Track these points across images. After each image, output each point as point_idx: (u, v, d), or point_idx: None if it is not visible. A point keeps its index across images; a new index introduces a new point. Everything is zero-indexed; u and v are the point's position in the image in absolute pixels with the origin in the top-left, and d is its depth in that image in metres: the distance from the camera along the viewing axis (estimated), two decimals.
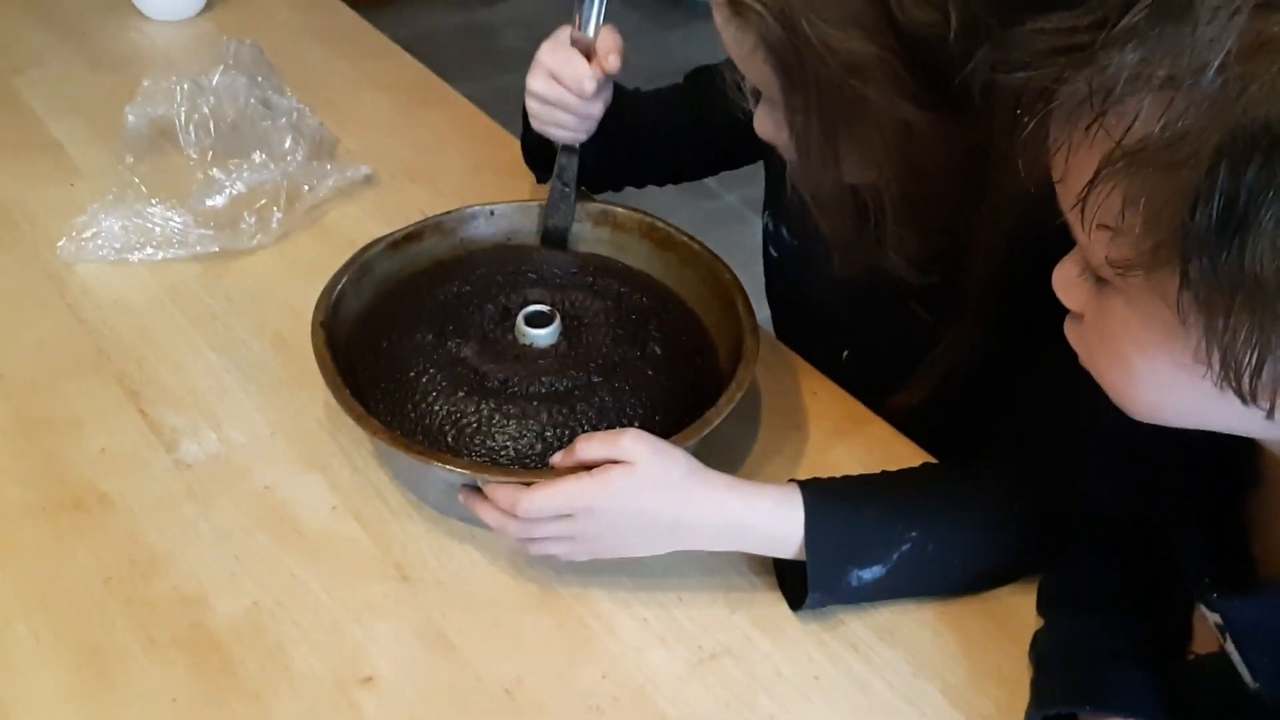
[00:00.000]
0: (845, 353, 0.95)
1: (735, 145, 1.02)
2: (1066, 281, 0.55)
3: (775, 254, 0.99)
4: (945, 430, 0.86)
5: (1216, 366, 0.46)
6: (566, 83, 0.89)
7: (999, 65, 0.51)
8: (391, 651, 0.73)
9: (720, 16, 0.72)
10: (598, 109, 0.92)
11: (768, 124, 0.77)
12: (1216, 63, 0.42)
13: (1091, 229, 0.48)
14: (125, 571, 0.76)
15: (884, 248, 0.76)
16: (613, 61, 0.89)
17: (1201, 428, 0.53)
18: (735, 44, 0.72)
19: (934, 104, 0.67)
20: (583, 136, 0.94)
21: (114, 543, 0.78)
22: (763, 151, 1.03)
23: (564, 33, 0.91)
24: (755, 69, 0.71)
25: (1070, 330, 0.57)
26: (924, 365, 0.82)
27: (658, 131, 1.04)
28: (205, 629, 0.73)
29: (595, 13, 0.88)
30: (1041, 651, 0.72)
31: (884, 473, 0.80)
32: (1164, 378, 0.50)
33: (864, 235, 0.78)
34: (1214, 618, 0.60)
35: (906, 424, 0.90)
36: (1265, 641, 0.57)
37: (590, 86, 0.89)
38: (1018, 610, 0.76)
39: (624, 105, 1.02)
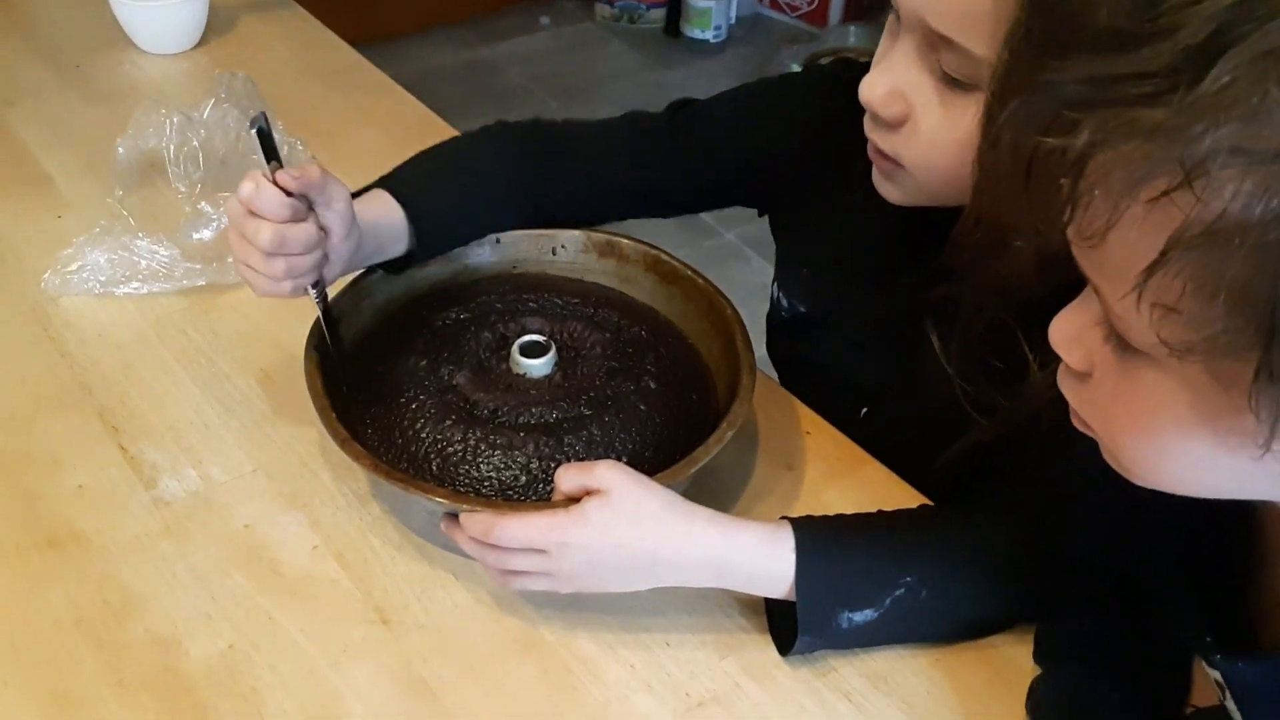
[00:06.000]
0: (864, 410, 0.92)
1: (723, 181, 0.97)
2: (1075, 337, 0.50)
3: (787, 317, 0.96)
4: (946, 476, 0.84)
5: None
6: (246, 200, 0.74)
7: (1030, 118, 0.45)
8: (369, 698, 0.71)
9: None
10: (264, 236, 0.73)
11: (881, 83, 0.71)
12: None
13: (1148, 311, 0.42)
14: (98, 612, 0.74)
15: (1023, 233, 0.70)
16: (289, 181, 0.74)
17: (1224, 497, 0.50)
18: None
19: None
20: (281, 287, 0.76)
21: (88, 583, 0.76)
22: (767, 211, 1.00)
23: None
24: None
25: (1070, 388, 0.52)
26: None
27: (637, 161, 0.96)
28: (178, 672, 0.71)
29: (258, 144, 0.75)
30: (1038, 702, 0.70)
31: (879, 513, 0.78)
32: (1202, 454, 0.46)
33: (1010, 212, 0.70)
34: (1215, 674, 0.58)
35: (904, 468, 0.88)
36: (1269, 705, 0.55)
37: (246, 191, 0.73)
38: (1015, 659, 0.74)
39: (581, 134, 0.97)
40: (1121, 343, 0.46)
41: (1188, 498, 0.51)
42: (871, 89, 0.73)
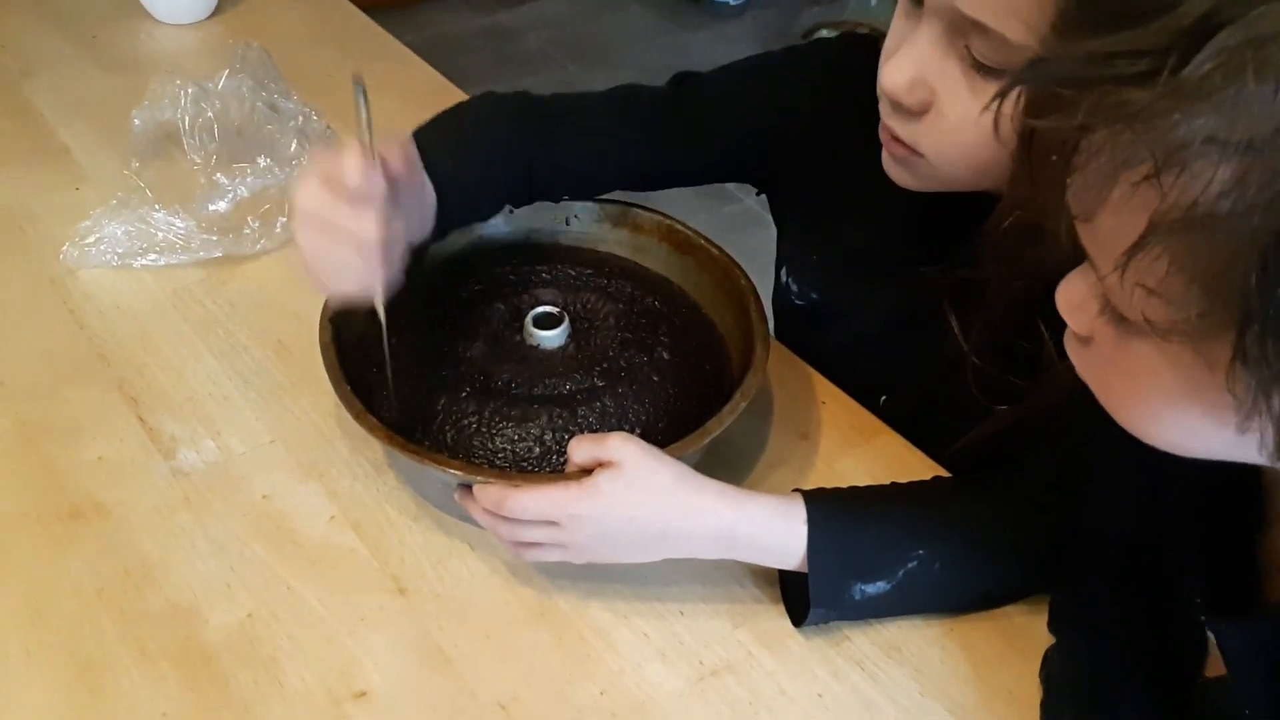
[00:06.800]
0: (883, 398, 0.91)
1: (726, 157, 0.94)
2: (1077, 304, 0.50)
3: (800, 305, 0.95)
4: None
5: (1270, 445, 0.42)
6: (328, 171, 0.66)
7: (1031, 95, 0.46)
8: (386, 666, 0.72)
9: None
10: (370, 225, 0.66)
11: (904, 70, 0.68)
12: None
13: (1132, 289, 0.43)
14: (119, 582, 0.75)
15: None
16: (394, 159, 0.68)
17: (1218, 459, 0.50)
18: None
19: None
20: (376, 287, 0.70)
21: (109, 553, 0.77)
22: (767, 191, 0.98)
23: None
24: None
25: (1074, 351, 0.53)
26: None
27: (644, 134, 0.92)
28: (198, 641, 0.72)
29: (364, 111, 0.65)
30: (1052, 671, 0.70)
31: (893, 484, 0.78)
32: (1192, 423, 0.47)
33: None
34: (1213, 637, 0.58)
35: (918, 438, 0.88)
36: (1255, 665, 0.55)
37: (356, 176, 0.65)
38: (1029, 628, 0.74)
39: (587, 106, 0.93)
40: (1116, 314, 0.47)
41: (1202, 465, 0.51)
42: (893, 77, 0.69)
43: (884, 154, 0.76)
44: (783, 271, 0.96)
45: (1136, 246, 0.41)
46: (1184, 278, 0.41)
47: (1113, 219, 0.43)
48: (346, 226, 0.66)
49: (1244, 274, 0.39)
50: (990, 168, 0.70)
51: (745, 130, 0.92)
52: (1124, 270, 0.43)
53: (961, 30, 0.66)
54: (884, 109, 0.74)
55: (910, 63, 0.69)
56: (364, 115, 0.65)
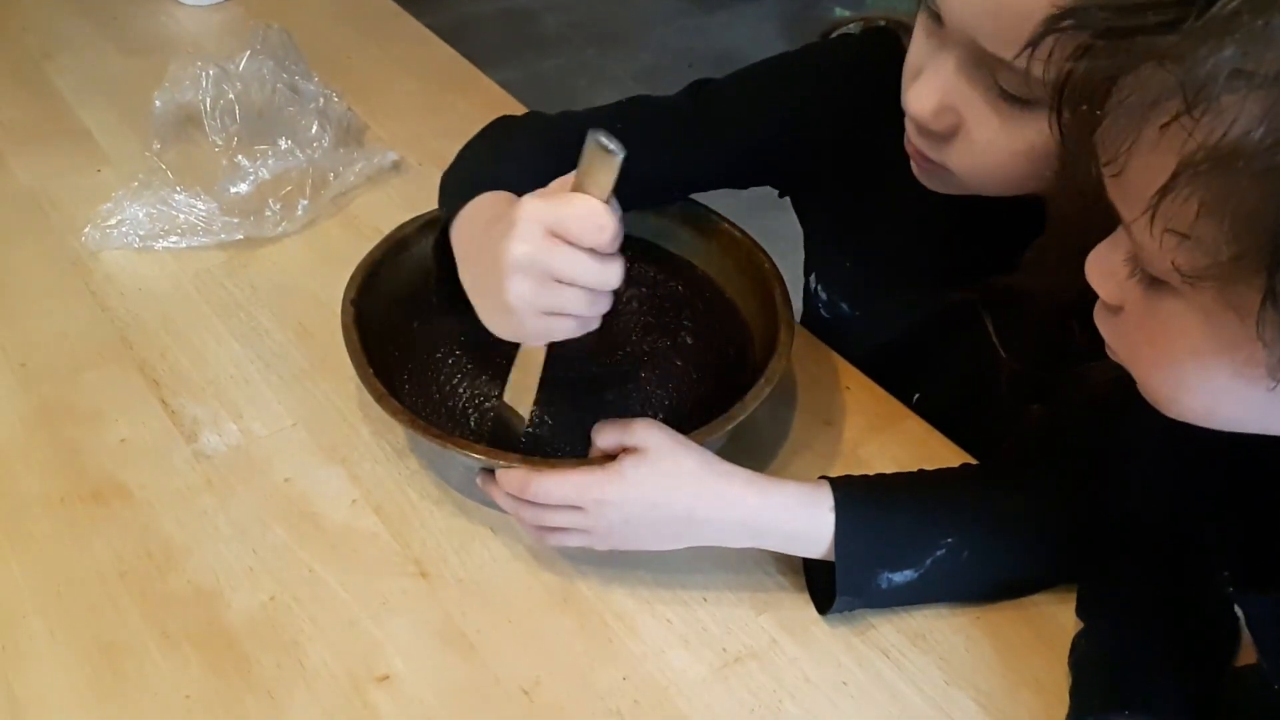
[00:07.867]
0: (915, 396, 0.89)
1: (739, 165, 0.91)
2: (1108, 271, 0.50)
3: (827, 316, 0.93)
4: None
5: None
6: (574, 233, 0.60)
7: (1062, 46, 0.47)
8: (409, 650, 0.71)
9: None
10: (616, 273, 0.63)
11: (931, 96, 0.66)
12: None
13: (1161, 236, 0.43)
14: (142, 565, 0.75)
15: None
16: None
17: (1252, 431, 0.50)
18: None
19: None
20: (594, 323, 0.67)
21: (131, 535, 0.77)
22: (790, 194, 0.96)
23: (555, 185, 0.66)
24: None
25: (1103, 321, 0.53)
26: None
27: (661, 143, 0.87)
28: (220, 624, 0.72)
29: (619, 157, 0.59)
30: (1081, 657, 0.69)
31: (920, 472, 0.77)
32: (1221, 385, 0.47)
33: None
34: (1239, 612, 0.58)
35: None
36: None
37: (612, 235, 0.60)
38: (1056, 617, 0.73)
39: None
40: (1146, 277, 0.47)
41: (1230, 441, 0.51)
42: (920, 104, 0.68)
43: (914, 164, 0.75)
44: (812, 278, 0.94)
45: (1166, 189, 0.42)
46: (1214, 219, 0.41)
47: (1141, 164, 0.44)
48: (588, 279, 0.62)
49: (1276, 210, 0.39)
50: (1024, 180, 0.68)
51: (767, 136, 0.88)
52: (1153, 215, 0.43)
53: (986, 62, 0.64)
54: (910, 129, 0.72)
55: (936, 90, 0.67)
56: (619, 161, 0.60)
